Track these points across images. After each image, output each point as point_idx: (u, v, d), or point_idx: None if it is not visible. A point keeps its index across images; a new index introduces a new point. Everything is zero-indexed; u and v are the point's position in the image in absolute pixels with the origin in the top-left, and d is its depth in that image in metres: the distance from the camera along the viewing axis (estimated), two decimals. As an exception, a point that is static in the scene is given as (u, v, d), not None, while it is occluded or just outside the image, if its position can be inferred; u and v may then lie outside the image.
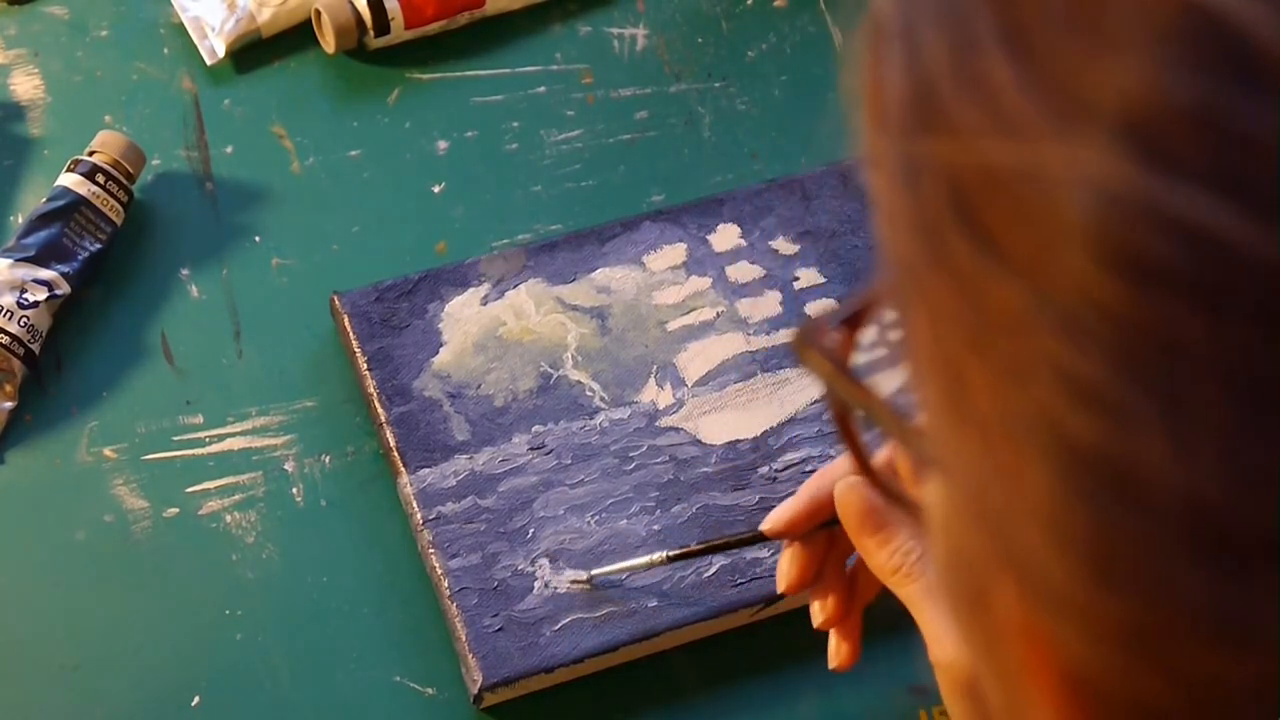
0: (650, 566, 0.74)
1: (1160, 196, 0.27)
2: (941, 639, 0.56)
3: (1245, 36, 0.26)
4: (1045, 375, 0.28)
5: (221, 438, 0.82)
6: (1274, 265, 0.26)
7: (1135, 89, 0.27)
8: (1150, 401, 0.27)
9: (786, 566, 0.64)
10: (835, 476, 0.61)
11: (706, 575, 0.76)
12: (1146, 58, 0.27)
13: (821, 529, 0.63)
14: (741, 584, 0.76)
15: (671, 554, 0.72)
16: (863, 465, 0.41)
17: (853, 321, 0.41)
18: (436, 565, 0.76)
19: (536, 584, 0.75)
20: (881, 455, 0.47)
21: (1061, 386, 0.28)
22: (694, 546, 0.72)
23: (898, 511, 0.57)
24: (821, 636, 0.78)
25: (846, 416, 0.41)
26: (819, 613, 0.64)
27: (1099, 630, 0.30)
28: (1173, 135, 0.26)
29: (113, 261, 0.87)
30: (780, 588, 0.64)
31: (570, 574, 0.75)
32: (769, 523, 0.64)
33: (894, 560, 0.58)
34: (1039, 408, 0.29)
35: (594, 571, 0.75)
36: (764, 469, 0.79)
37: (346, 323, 0.82)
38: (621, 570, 0.75)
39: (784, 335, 0.84)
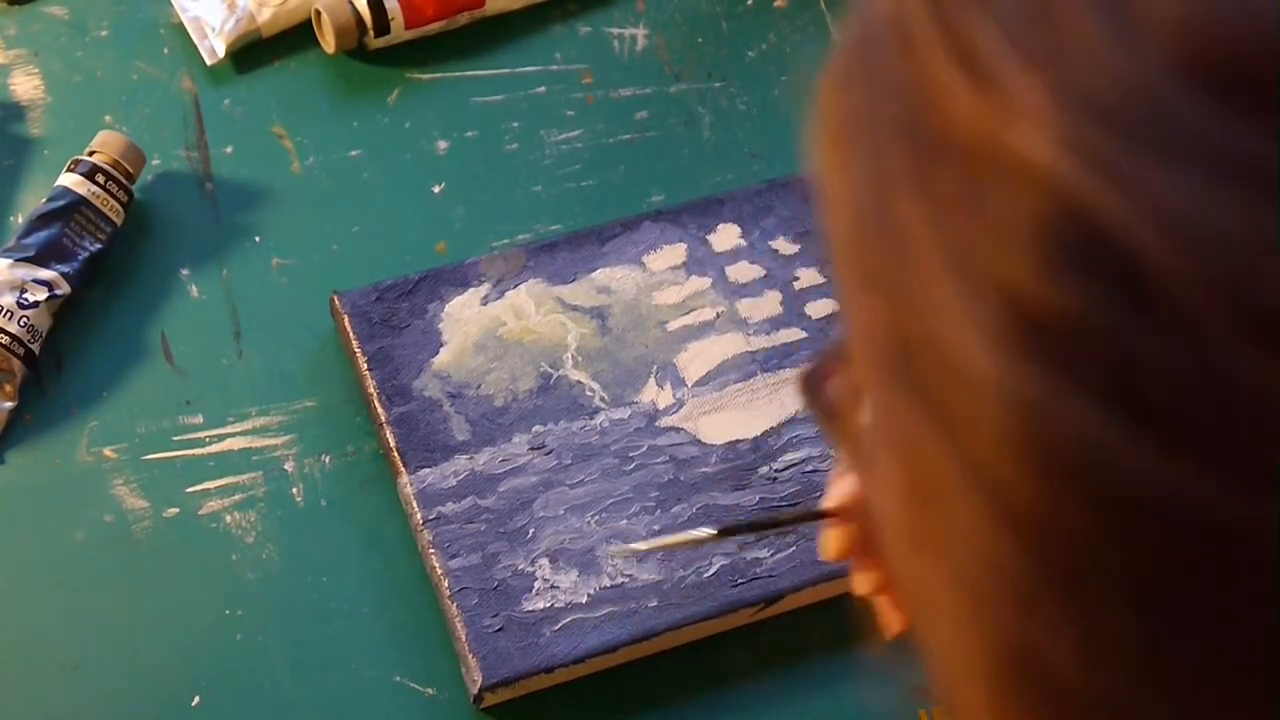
0: (700, 543, 0.73)
1: (1051, 399, 0.27)
2: None
3: (1133, 254, 0.26)
4: (976, 552, 0.28)
5: (221, 438, 0.82)
6: (1152, 477, 0.26)
7: (1025, 285, 0.27)
8: (1058, 599, 0.27)
9: (834, 535, 0.64)
10: None
11: (706, 575, 0.76)
12: (1035, 253, 0.26)
13: None
14: (741, 584, 0.76)
15: (722, 529, 0.72)
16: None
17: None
18: (436, 565, 0.76)
19: (536, 584, 0.75)
20: None
21: (987, 567, 0.28)
22: (743, 521, 0.71)
23: None
24: (822, 636, 0.78)
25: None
26: (865, 581, 0.64)
27: None
28: (1063, 341, 0.26)
29: (113, 261, 0.86)
30: (824, 555, 0.64)
31: (618, 546, 0.75)
32: (831, 499, 0.63)
33: None
34: (973, 583, 0.29)
35: (644, 545, 0.74)
36: (764, 469, 0.79)
37: (346, 323, 0.82)
38: (671, 545, 0.73)
39: (784, 335, 0.84)
